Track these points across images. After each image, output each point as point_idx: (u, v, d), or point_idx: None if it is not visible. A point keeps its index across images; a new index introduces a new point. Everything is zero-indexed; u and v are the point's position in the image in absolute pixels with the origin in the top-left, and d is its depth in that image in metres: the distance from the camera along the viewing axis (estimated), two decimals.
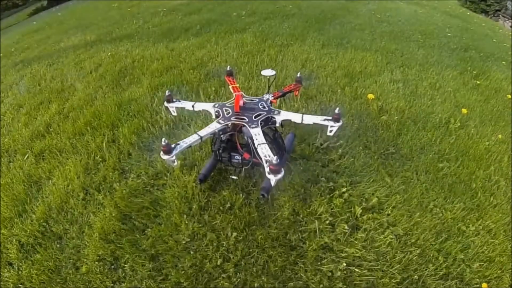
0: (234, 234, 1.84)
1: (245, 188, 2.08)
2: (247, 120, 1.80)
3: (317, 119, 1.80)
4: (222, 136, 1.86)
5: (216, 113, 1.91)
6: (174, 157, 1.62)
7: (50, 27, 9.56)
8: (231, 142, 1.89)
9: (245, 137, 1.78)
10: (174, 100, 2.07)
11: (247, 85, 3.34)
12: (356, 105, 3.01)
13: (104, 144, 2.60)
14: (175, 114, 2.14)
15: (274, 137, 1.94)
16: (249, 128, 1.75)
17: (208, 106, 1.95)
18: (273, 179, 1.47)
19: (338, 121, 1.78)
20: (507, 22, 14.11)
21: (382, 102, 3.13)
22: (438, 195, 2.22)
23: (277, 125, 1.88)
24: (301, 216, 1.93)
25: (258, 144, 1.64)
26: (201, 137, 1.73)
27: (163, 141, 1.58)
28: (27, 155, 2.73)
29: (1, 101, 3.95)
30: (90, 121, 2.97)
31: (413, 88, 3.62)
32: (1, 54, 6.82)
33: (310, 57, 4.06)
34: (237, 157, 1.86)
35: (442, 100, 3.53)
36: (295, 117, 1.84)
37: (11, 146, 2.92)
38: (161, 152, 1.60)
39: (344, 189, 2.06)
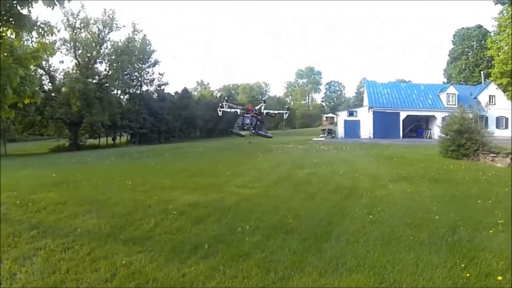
0: None
1: None
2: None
3: None
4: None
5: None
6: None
7: (67, 186, 10.84)
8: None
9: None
10: (225, 105, 3.57)
11: None
12: None
13: None
14: (220, 114, 3.36)
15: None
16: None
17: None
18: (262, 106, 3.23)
19: None
20: (488, 157, 15.18)
21: None
22: None
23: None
24: None
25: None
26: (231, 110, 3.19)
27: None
28: None
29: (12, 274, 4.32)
30: None
31: None
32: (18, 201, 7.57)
33: None
34: (247, 120, 2.90)
35: None
36: None
37: None
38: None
39: None
